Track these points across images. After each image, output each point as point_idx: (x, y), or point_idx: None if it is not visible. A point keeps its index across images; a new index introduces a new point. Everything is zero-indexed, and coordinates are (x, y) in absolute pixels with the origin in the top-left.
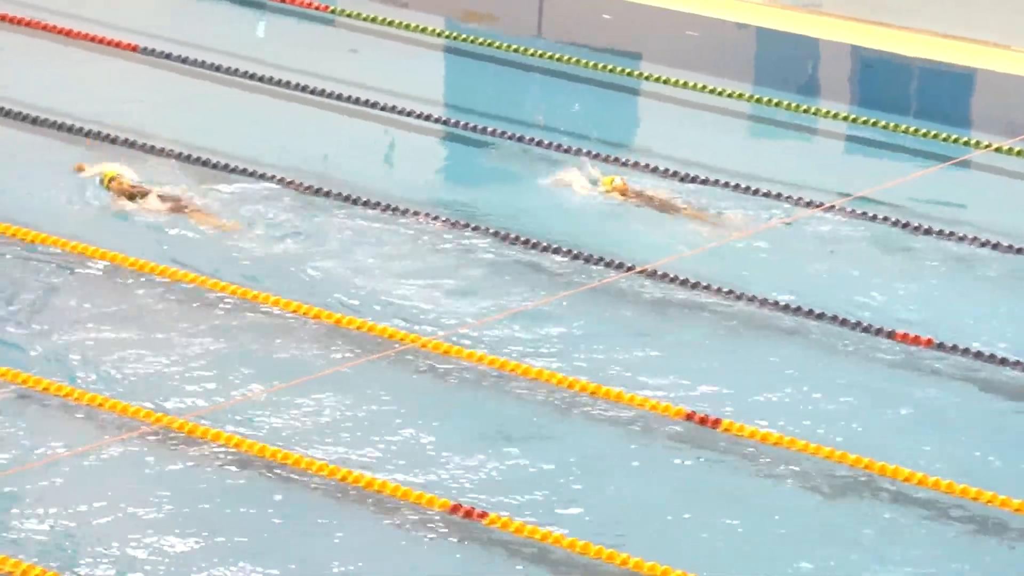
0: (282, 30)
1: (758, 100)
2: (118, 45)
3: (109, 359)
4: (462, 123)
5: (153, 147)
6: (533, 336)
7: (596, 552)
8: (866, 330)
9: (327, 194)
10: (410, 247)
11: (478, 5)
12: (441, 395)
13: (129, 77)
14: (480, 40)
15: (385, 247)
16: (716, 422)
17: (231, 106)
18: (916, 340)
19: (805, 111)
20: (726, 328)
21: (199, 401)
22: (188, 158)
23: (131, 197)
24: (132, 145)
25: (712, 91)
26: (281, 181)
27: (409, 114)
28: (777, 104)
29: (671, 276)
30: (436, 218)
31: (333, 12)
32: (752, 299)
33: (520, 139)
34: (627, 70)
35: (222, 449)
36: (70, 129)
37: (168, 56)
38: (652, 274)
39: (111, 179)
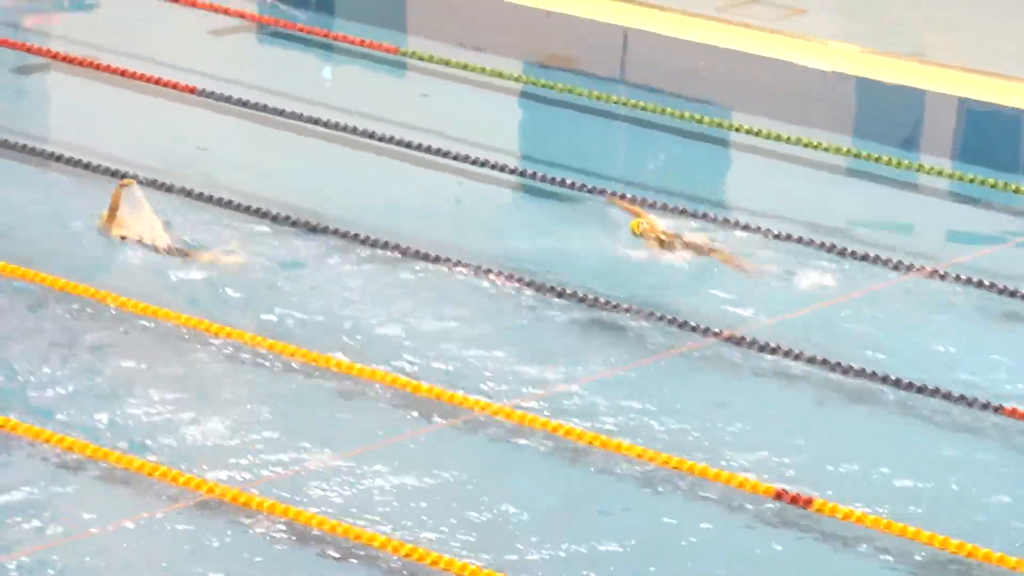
0: (349, 73)
1: (855, 154)
2: (175, 86)
3: (161, 423)
4: (539, 174)
5: (211, 196)
6: (610, 404)
7: None
8: (970, 404)
9: (394, 248)
10: (481, 307)
11: (558, 48)
12: (513, 466)
13: (186, 119)
14: (559, 85)
15: (453, 306)
16: (807, 501)
17: (292, 152)
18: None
19: (907, 166)
20: (816, 398)
21: (255, 469)
22: (247, 208)
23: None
24: (189, 194)
25: (807, 144)
26: (345, 235)
27: (483, 164)
28: (876, 159)
29: (760, 343)
30: (509, 276)
31: (403, 54)
32: (845, 368)
33: (600, 192)
34: (716, 120)
35: (279, 522)
36: (124, 175)
37: (228, 99)
38: (739, 340)
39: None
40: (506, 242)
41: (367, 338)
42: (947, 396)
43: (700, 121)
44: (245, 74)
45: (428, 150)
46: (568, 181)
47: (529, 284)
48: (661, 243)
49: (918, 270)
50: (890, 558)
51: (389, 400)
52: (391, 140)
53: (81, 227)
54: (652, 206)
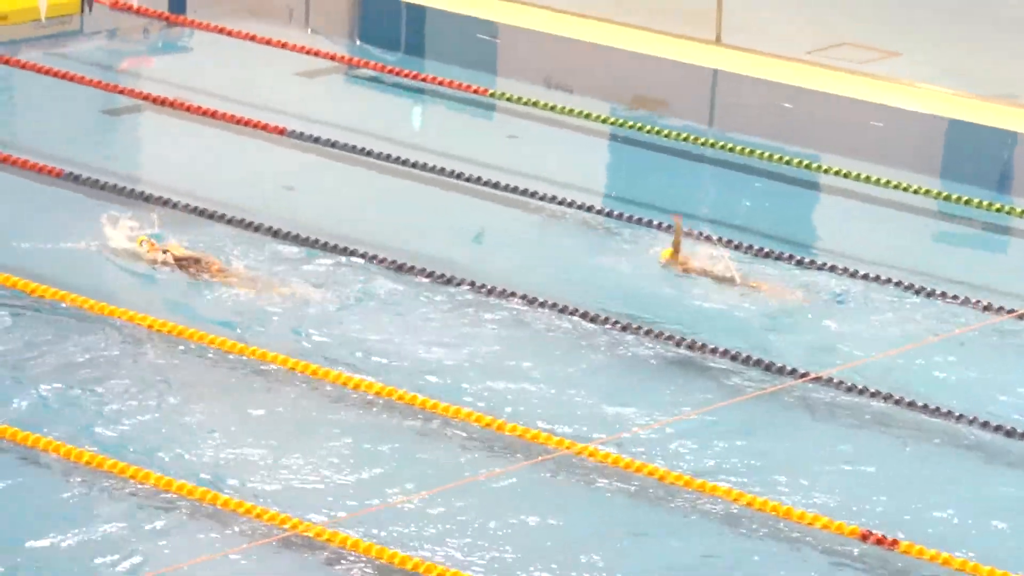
0: (437, 114)
1: (946, 197)
2: (265, 127)
3: (245, 460)
4: (625, 215)
5: (297, 235)
6: (693, 444)
7: None
8: None
9: (479, 288)
10: (567, 347)
11: (647, 91)
12: (593, 505)
13: (275, 160)
14: (648, 128)
15: (536, 345)
16: (893, 542)
17: (380, 192)
18: None
19: (997, 209)
20: (902, 440)
21: (338, 506)
22: (333, 247)
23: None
24: (276, 233)
25: (897, 186)
26: (431, 275)
27: (570, 204)
28: (967, 201)
29: (847, 384)
30: (595, 318)
31: (492, 96)
32: (934, 410)
33: (696, 236)
34: (805, 162)
35: (362, 559)
36: (211, 216)
37: (316, 140)
38: (827, 381)
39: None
40: (588, 282)
41: (449, 376)
42: None
43: (789, 163)
44: (334, 115)
45: (515, 191)
46: (655, 222)
47: (613, 324)
48: (688, 270)
49: (1008, 313)
50: None
51: (469, 438)
52: (478, 181)
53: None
54: (738, 247)
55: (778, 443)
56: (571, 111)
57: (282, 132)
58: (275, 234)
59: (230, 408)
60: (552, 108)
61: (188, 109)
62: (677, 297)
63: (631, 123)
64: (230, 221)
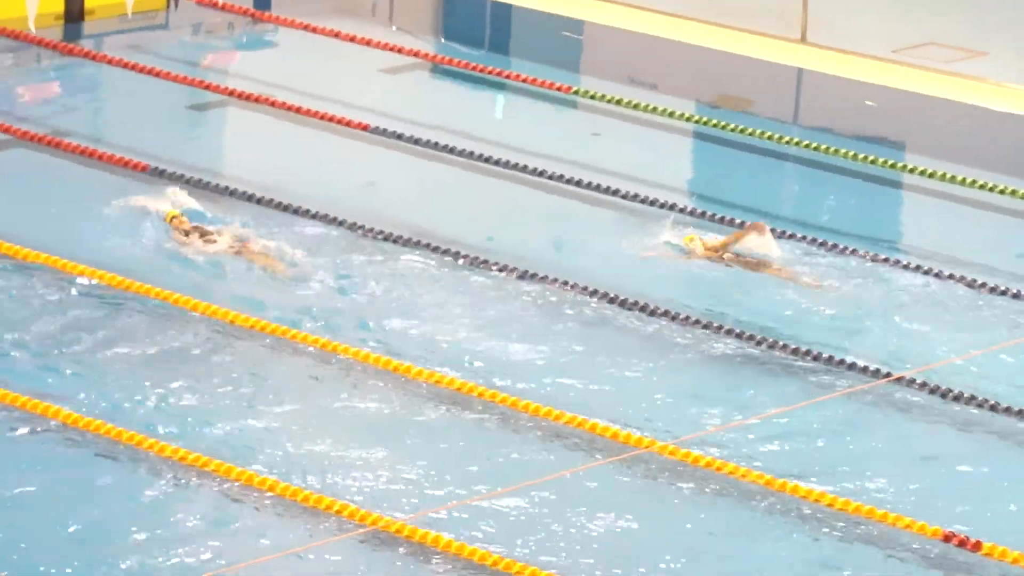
0: (521, 111)
1: None
2: (348, 124)
3: (327, 456)
4: (708, 213)
5: (380, 231)
6: (777, 444)
7: None
8: None
9: (561, 285)
10: (647, 344)
11: (732, 89)
12: (675, 504)
13: (358, 156)
14: (732, 126)
15: (618, 345)
16: (976, 545)
17: (462, 189)
18: None
19: None
20: (985, 442)
21: (418, 503)
22: (416, 243)
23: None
24: (359, 229)
25: (982, 186)
26: (512, 272)
27: (652, 203)
28: None
29: (930, 386)
30: (675, 316)
31: (576, 93)
32: (1017, 412)
33: (778, 235)
34: (890, 161)
35: (441, 555)
36: (296, 211)
37: (399, 136)
38: (910, 382)
39: (173, 217)
40: (672, 281)
41: (528, 373)
42: None
43: (874, 163)
44: (418, 112)
45: (597, 188)
46: (738, 221)
47: (694, 322)
48: (711, 254)
49: None
50: None
51: (549, 435)
52: (561, 179)
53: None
54: (822, 245)
55: (859, 443)
56: (655, 109)
57: (365, 128)
58: (357, 229)
59: (312, 403)
60: (635, 106)
61: (272, 105)
62: (756, 296)
63: (715, 121)
64: (313, 216)
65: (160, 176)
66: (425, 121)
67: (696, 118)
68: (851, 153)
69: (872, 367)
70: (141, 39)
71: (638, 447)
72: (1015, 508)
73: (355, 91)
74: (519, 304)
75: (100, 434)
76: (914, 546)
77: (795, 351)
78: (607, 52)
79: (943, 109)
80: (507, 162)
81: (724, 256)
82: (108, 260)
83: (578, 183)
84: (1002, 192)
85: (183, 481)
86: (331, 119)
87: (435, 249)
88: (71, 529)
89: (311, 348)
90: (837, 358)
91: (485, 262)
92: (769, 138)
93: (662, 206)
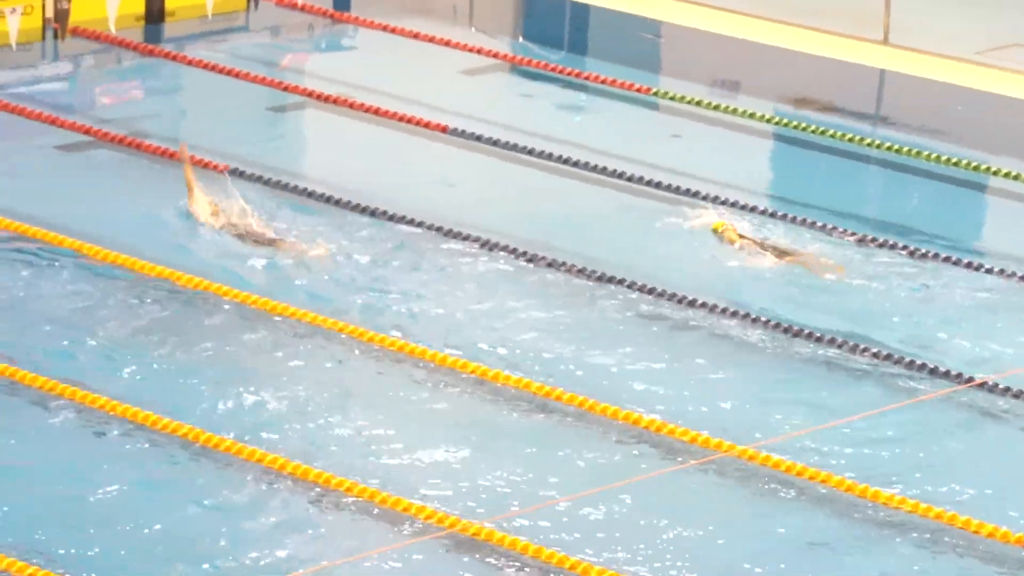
0: (600, 113)
1: None
2: (428, 125)
3: (409, 460)
4: (789, 216)
5: (459, 232)
6: (857, 449)
7: None
8: None
9: (639, 289)
10: (727, 348)
11: (813, 91)
12: (758, 513)
13: (438, 157)
14: (813, 128)
15: (700, 348)
16: None
17: (542, 191)
18: None
19: None
20: None
21: (497, 506)
22: (494, 245)
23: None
24: (438, 230)
25: None
26: (591, 275)
27: (732, 205)
28: None
29: (1013, 390)
30: (755, 319)
31: (655, 95)
32: None
33: (851, 235)
34: (973, 164)
35: (520, 559)
36: (374, 212)
37: (478, 138)
38: (993, 387)
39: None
40: (755, 285)
41: (608, 377)
42: None
43: (956, 165)
44: (496, 113)
45: (677, 190)
46: (819, 224)
47: (774, 325)
48: (739, 242)
49: None
50: None
51: (627, 439)
52: (641, 180)
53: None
54: (903, 249)
55: (940, 448)
56: (735, 110)
57: (444, 130)
58: (437, 230)
59: (392, 406)
60: (716, 107)
61: (351, 106)
62: (834, 299)
63: (796, 123)
64: (391, 217)
65: (240, 177)
66: (504, 122)
67: (777, 120)
68: (933, 155)
69: (953, 371)
70: (221, 40)
71: (717, 451)
72: None
73: (434, 92)
74: (598, 308)
75: (180, 436)
76: (995, 552)
77: (875, 355)
78: (686, 53)
79: None
80: (586, 164)
81: (753, 244)
82: (186, 261)
83: (657, 185)
84: None
85: (264, 483)
86: (410, 120)
87: (512, 251)
88: (153, 528)
89: (391, 351)
90: (918, 362)
91: (564, 265)
92: (850, 140)
93: (742, 208)
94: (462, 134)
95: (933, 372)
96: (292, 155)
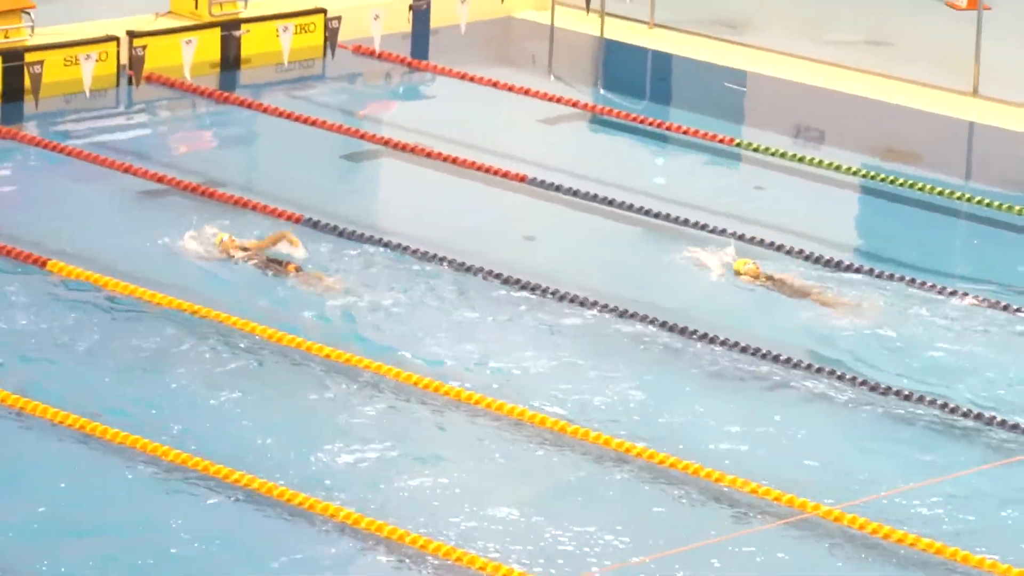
0: (682, 164)
1: None
2: (506, 175)
3: (490, 518)
4: (876, 271)
5: (536, 285)
6: (948, 509)
7: None
8: None
9: (722, 344)
10: (812, 405)
11: (900, 142)
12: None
13: (516, 208)
14: (901, 181)
15: (783, 404)
16: None
17: (622, 243)
18: None
19: None
20: None
21: (571, 564)
22: (573, 299)
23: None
24: (517, 283)
25: None
26: (672, 328)
27: (816, 260)
28: None
29: None
30: (841, 376)
31: (738, 145)
32: None
33: (940, 290)
34: None
35: None
36: (450, 263)
37: (558, 188)
38: None
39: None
40: (837, 340)
41: (688, 434)
42: None
43: None
44: (576, 163)
45: (761, 243)
46: (907, 278)
47: (860, 383)
48: (759, 279)
49: None
50: None
51: (707, 496)
52: (723, 233)
53: (389, 305)
54: (995, 305)
55: None
56: (820, 162)
57: (522, 180)
58: (515, 283)
59: (468, 460)
60: (800, 159)
61: (429, 155)
62: (926, 355)
63: (883, 176)
64: (468, 269)
65: (315, 228)
66: (584, 172)
67: (863, 172)
68: None
69: None
70: (297, 88)
71: (802, 511)
72: None
73: (512, 142)
74: (677, 363)
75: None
76: None
77: (966, 413)
78: (771, 103)
79: None
80: (667, 215)
81: (771, 282)
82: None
83: (740, 238)
84: None
85: (362, 545)
86: (488, 170)
87: (592, 304)
88: None
89: (483, 408)
90: (1011, 422)
91: (642, 318)
92: (939, 193)
93: (827, 263)
94: (541, 184)
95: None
96: (367, 205)
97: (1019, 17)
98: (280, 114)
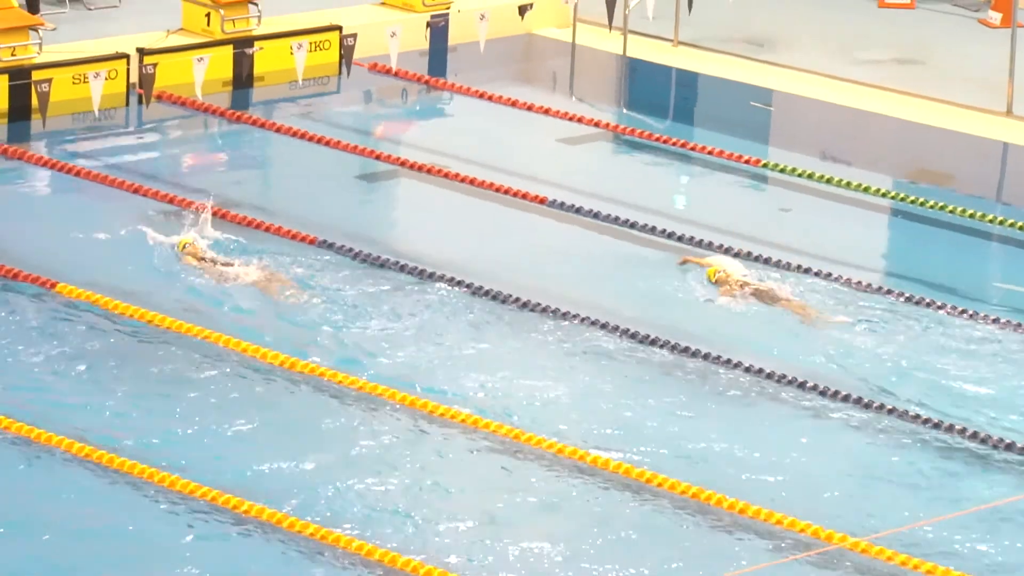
0: (706, 185)
1: None
2: (525, 196)
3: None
4: (903, 294)
5: (556, 309)
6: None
7: None
8: None
9: (756, 373)
10: (845, 436)
11: (931, 163)
12: None
13: (535, 230)
14: (931, 203)
15: (817, 434)
16: None
17: (644, 266)
18: None
19: None
20: None
21: None
22: (594, 323)
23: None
24: (534, 308)
25: None
26: (695, 354)
27: (846, 282)
28: None
29: None
30: (868, 404)
31: (764, 166)
32: None
33: (971, 315)
34: None
35: None
36: (468, 287)
37: (578, 210)
38: None
39: (185, 245)
40: (863, 366)
41: (711, 463)
42: None
43: None
44: (598, 184)
45: (788, 267)
46: (937, 303)
47: (888, 410)
48: (735, 287)
49: None
50: None
51: (735, 527)
52: (748, 256)
53: (402, 330)
54: (1017, 327)
55: None
56: (848, 183)
57: (542, 201)
58: (533, 308)
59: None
60: (828, 180)
61: (446, 176)
62: (958, 383)
63: (913, 197)
64: (486, 294)
65: (329, 249)
66: (605, 194)
67: (893, 194)
68: None
69: None
70: (311, 106)
71: (828, 543)
72: None
73: (532, 162)
74: (702, 389)
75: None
76: None
77: (997, 444)
78: (798, 123)
79: None
80: (691, 238)
81: (741, 291)
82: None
83: (766, 261)
84: None
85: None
86: (507, 191)
87: (614, 329)
88: None
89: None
90: None
91: (666, 343)
92: (971, 216)
93: (855, 286)
94: (561, 206)
95: None
96: (382, 227)
97: None
98: (294, 133)
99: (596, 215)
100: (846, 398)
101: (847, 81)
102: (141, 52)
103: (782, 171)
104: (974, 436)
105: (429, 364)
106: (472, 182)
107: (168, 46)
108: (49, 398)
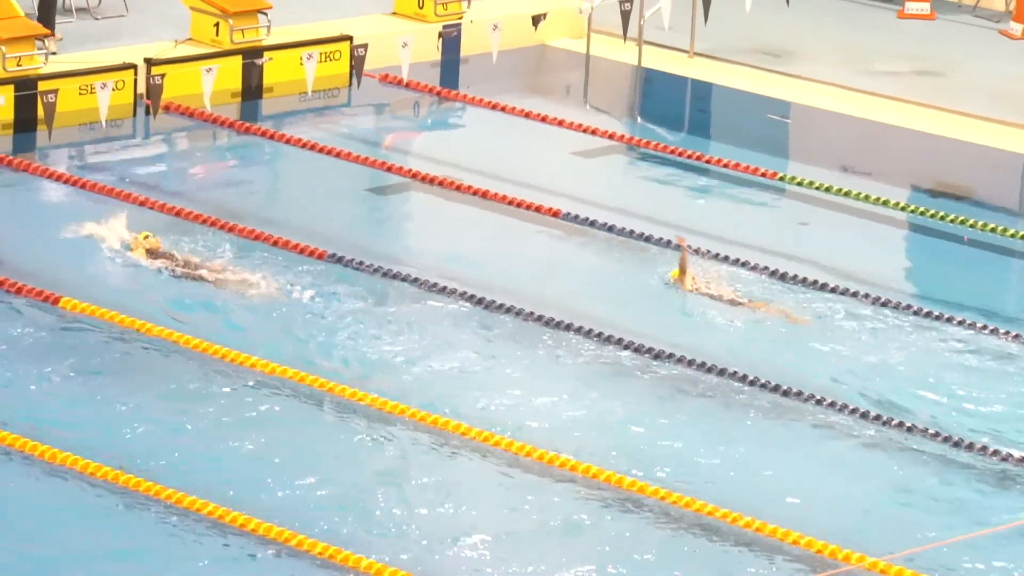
0: (722, 198)
1: None
2: (538, 209)
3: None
4: (923, 310)
5: (569, 324)
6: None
7: None
8: None
9: (772, 390)
10: (859, 453)
11: (951, 176)
12: None
13: (548, 243)
14: (951, 217)
15: (834, 455)
16: None
17: (657, 281)
18: None
19: None
20: None
21: None
22: (607, 338)
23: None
24: (547, 323)
25: None
26: (710, 369)
27: (864, 297)
28: None
29: None
30: (887, 421)
31: (782, 179)
32: None
33: (1005, 334)
34: None
35: None
36: (480, 301)
37: (592, 223)
38: None
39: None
40: (884, 382)
41: (729, 481)
42: None
43: None
44: (612, 197)
45: (803, 282)
46: (956, 318)
47: (908, 427)
48: (694, 289)
49: None
50: None
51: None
52: (765, 270)
53: (424, 347)
54: None
55: None
56: (867, 197)
57: (556, 214)
58: (545, 323)
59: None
60: (847, 193)
61: (458, 188)
62: (982, 401)
63: (933, 211)
64: (499, 307)
65: (339, 263)
66: (620, 207)
67: (912, 207)
68: None
69: None
70: (321, 118)
71: (846, 563)
72: None
73: (545, 174)
74: (720, 405)
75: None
76: None
77: (1020, 460)
78: (816, 136)
79: None
80: (707, 252)
81: (698, 290)
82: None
83: (782, 276)
84: None
85: None
86: (520, 204)
87: (627, 346)
88: None
89: (501, 451)
90: None
91: (681, 359)
92: (992, 230)
93: (875, 301)
94: (575, 219)
95: None
96: (393, 240)
97: None
98: (304, 145)
99: (611, 228)
100: (864, 415)
101: (865, 93)
102: (149, 62)
103: (799, 184)
104: (995, 454)
105: (440, 379)
106: (485, 195)
107: (176, 56)
108: (51, 415)
